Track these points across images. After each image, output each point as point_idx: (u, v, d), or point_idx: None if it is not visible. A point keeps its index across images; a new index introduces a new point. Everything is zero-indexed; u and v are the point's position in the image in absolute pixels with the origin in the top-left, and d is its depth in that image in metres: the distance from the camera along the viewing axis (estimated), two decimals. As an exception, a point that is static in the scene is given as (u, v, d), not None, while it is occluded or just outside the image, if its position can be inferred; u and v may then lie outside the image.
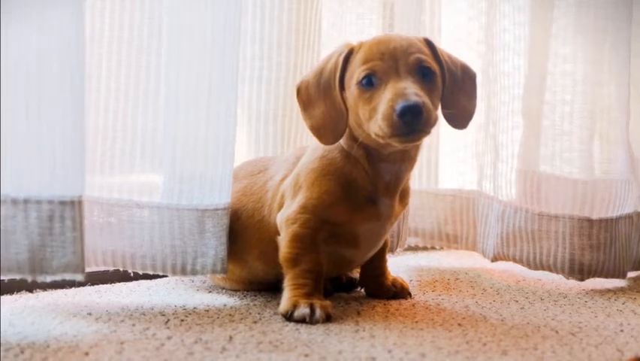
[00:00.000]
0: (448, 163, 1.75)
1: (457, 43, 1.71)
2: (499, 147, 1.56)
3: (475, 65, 1.65)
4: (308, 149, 1.23)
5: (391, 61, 1.10)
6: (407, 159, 1.18)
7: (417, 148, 1.19)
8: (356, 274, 1.37)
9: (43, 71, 1.03)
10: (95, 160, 1.21)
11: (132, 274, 1.33)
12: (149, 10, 1.22)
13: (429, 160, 1.70)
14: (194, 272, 1.21)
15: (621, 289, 1.44)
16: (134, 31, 1.22)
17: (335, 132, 1.15)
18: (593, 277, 1.46)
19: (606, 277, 1.47)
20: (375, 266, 1.30)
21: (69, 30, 1.04)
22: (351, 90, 1.12)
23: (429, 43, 1.17)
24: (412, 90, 1.06)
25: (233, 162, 1.24)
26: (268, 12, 1.42)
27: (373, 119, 1.08)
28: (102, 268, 1.29)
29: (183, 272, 1.21)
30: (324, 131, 1.16)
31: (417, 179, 1.67)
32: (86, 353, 0.91)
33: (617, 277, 1.48)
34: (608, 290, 1.43)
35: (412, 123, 1.04)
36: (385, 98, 1.07)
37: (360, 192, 1.16)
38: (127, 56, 1.21)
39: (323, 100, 1.16)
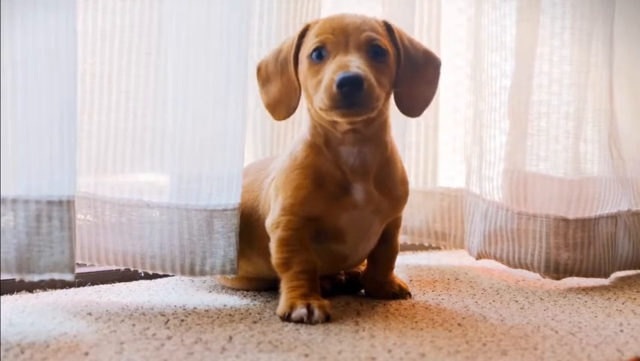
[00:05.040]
0: (446, 164, 1.76)
1: (455, 44, 1.72)
2: (484, 146, 1.56)
3: (464, 70, 1.67)
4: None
5: (342, 36, 1.11)
6: (366, 141, 1.16)
7: (376, 130, 1.17)
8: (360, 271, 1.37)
9: (33, 73, 1.03)
10: (106, 160, 1.22)
11: (132, 274, 1.34)
12: (158, 9, 1.22)
13: (417, 159, 1.70)
14: (202, 273, 1.21)
15: (621, 289, 1.44)
16: (143, 30, 1.22)
17: (289, 107, 1.18)
18: (570, 276, 1.47)
19: (585, 276, 1.48)
20: (380, 273, 1.30)
21: (60, 32, 1.04)
22: (303, 64, 1.14)
23: (387, 26, 1.18)
24: (355, 63, 1.07)
25: (243, 162, 1.24)
26: (258, 10, 1.43)
27: (318, 92, 1.09)
28: (107, 268, 1.29)
29: (192, 273, 1.21)
30: (279, 106, 1.19)
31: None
32: (86, 353, 0.91)
33: (598, 276, 1.49)
34: (608, 290, 1.43)
35: (350, 95, 1.05)
36: (329, 70, 1.08)
37: (329, 181, 1.16)
38: (137, 55, 1.22)
39: (280, 76, 1.18)
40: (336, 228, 1.18)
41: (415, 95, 1.19)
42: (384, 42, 1.13)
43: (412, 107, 1.21)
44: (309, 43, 1.13)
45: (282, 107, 1.19)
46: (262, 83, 1.21)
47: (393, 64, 1.15)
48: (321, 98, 1.08)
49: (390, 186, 1.21)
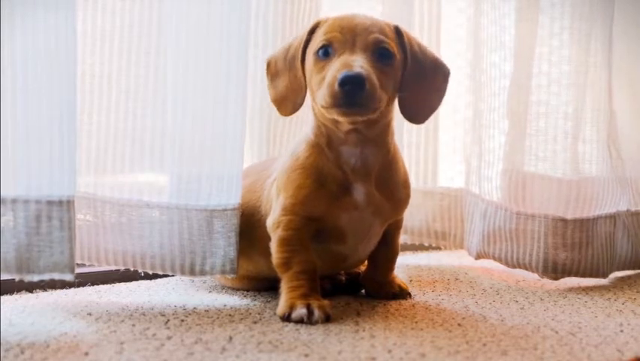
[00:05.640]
0: (446, 164, 1.76)
1: (455, 44, 1.72)
2: (483, 146, 1.56)
3: (463, 70, 1.66)
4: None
5: (350, 35, 1.11)
6: (368, 143, 1.16)
7: (378, 133, 1.17)
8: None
9: (33, 73, 1.03)
10: (105, 160, 1.22)
11: (132, 275, 1.34)
12: (157, 10, 1.22)
13: (417, 159, 1.70)
14: (203, 273, 1.22)
15: (621, 289, 1.44)
16: (143, 30, 1.22)
17: (294, 104, 1.18)
18: (568, 276, 1.47)
19: (583, 276, 1.48)
20: (380, 273, 1.30)
21: (60, 32, 1.04)
22: (309, 60, 1.14)
23: (397, 30, 1.17)
24: (358, 63, 1.07)
25: (242, 163, 1.24)
26: (254, 11, 1.42)
27: (321, 89, 1.09)
28: (108, 268, 1.30)
29: (192, 273, 1.21)
30: (285, 102, 1.19)
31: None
32: (86, 353, 0.91)
33: (596, 276, 1.49)
34: (608, 290, 1.43)
35: (352, 94, 1.05)
36: (333, 68, 1.08)
37: (330, 180, 1.16)
38: (136, 56, 1.22)
39: (288, 72, 1.19)
40: (336, 228, 1.18)
41: (419, 101, 1.19)
42: (392, 45, 1.13)
43: (416, 113, 1.20)
44: (317, 40, 1.13)
45: (287, 103, 1.19)
46: (271, 79, 1.22)
47: (399, 68, 1.15)
48: (323, 95, 1.08)
49: (391, 188, 1.20)
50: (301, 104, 1.18)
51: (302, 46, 1.17)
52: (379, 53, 1.12)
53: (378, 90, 1.08)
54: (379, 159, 1.18)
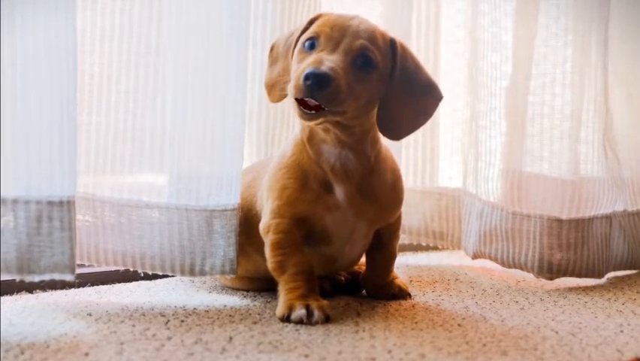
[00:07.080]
0: (445, 163, 1.76)
1: (454, 45, 1.72)
2: (481, 146, 1.56)
3: (462, 71, 1.66)
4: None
5: (338, 34, 1.10)
6: (346, 146, 1.15)
7: (356, 140, 1.15)
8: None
9: (33, 73, 1.02)
10: (105, 160, 1.22)
11: (132, 275, 1.33)
12: (157, 9, 1.22)
13: (415, 158, 1.70)
14: (202, 273, 1.22)
15: (621, 290, 1.44)
16: (142, 30, 1.22)
17: (282, 91, 1.17)
18: (563, 276, 1.47)
19: (578, 276, 1.48)
20: (379, 276, 1.29)
21: (60, 32, 1.04)
22: (296, 49, 1.14)
23: (392, 43, 1.15)
24: (330, 64, 1.06)
25: (242, 163, 1.24)
26: (254, 11, 1.42)
27: (292, 80, 1.09)
28: (108, 268, 1.30)
29: (192, 273, 1.21)
30: (274, 88, 1.19)
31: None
32: (86, 354, 0.91)
33: (592, 277, 1.50)
34: (608, 291, 1.43)
35: (312, 91, 1.04)
36: (305, 62, 1.08)
37: (312, 178, 1.16)
38: (136, 56, 1.22)
39: (284, 58, 1.18)
40: (322, 229, 1.18)
41: (400, 118, 1.16)
42: (376, 55, 1.11)
43: (392, 128, 1.17)
44: (309, 32, 1.13)
45: (276, 89, 1.19)
46: (270, 63, 1.22)
47: (380, 79, 1.12)
48: (291, 85, 1.08)
49: (376, 192, 1.19)
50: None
51: (298, 35, 1.16)
52: (361, 60, 1.10)
53: (344, 94, 1.06)
54: (359, 166, 1.17)
